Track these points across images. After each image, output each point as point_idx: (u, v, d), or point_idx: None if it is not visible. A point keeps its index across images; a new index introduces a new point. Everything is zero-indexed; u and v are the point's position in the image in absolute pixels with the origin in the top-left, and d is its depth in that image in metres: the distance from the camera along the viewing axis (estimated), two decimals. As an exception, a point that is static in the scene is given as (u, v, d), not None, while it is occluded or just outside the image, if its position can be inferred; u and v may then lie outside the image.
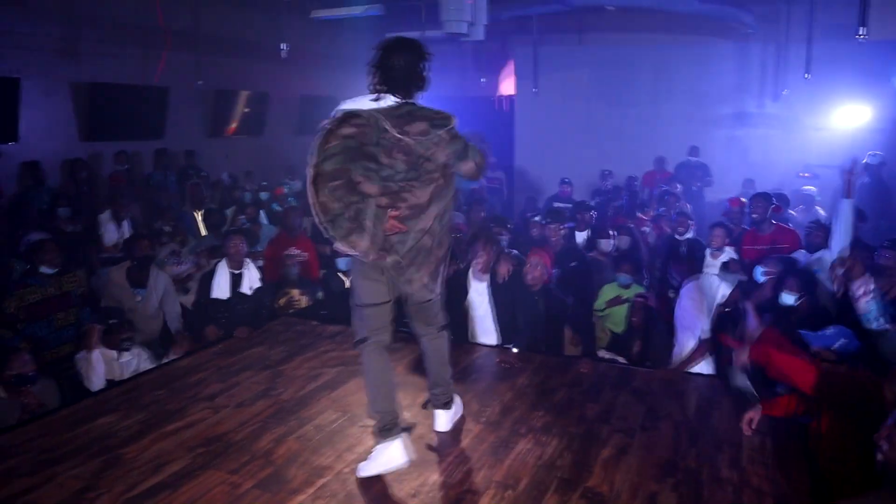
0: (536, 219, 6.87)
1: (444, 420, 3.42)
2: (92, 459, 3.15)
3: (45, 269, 5.22)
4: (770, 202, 6.01)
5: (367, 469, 2.98)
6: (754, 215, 6.03)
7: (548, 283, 4.68)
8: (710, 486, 2.91)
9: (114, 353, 4.66)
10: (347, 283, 6.42)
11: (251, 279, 5.37)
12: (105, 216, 7.51)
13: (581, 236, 6.43)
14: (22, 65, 8.14)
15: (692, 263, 5.78)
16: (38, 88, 8.41)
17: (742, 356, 3.39)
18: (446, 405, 3.43)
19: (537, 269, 4.67)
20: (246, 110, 11.63)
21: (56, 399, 4.58)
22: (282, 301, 5.52)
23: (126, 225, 7.53)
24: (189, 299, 6.19)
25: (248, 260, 5.42)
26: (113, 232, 7.41)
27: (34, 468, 3.07)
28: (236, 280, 5.29)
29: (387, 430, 3.01)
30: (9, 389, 4.22)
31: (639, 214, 8.21)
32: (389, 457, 2.98)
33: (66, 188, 8.36)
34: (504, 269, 4.68)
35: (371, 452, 3.03)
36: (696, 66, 11.61)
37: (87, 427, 3.48)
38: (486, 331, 4.85)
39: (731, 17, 10.40)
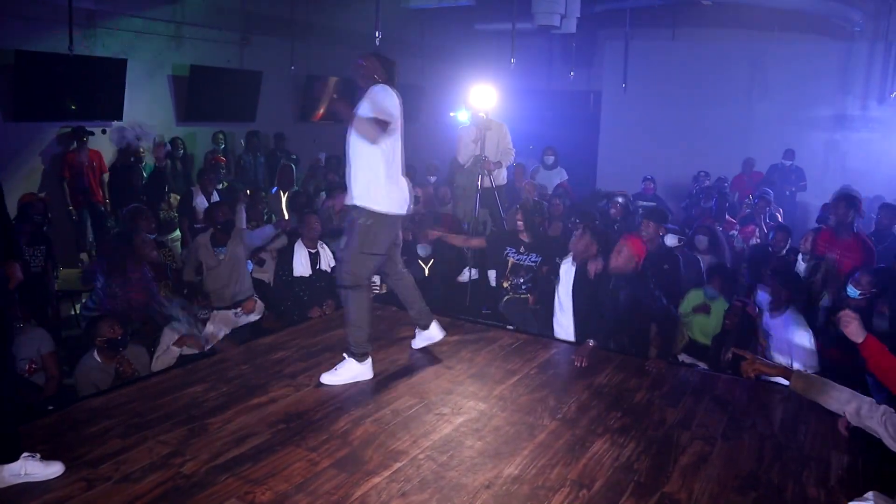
0: (619, 199, 6.73)
1: (437, 329, 4.30)
2: (179, 427, 3.28)
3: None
4: (853, 206, 5.61)
5: (334, 379, 3.83)
6: (832, 219, 5.64)
7: (636, 271, 4.54)
8: (795, 504, 2.81)
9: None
10: (427, 271, 6.48)
11: (327, 257, 5.61)
12: (196, 189, 7.84)
13: (672, 240, 6.28)
14: (129, 47, 8.53)
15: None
16: (143, 70, 8.79)
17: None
18: (432, 323, 4.30)
19: (621, 256, 4.45)
20: (334, 96, 11.84)
21: (146, 365, 4.82)
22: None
23: (215, 197, 7.80)
24: (264, 275, 6.38)
25: (321, 241, 5.68)
26: (203, 204, 7.70)
27: (127, 431, 3.22)
28: (314, 258, 5.48)
29: (365, 354, 3.90)
30: (102, 355, 4.45)
31: (728, 217, 7.95)
32: (361, 370, 3.88)
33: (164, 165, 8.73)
34: (594, 267, 4.63)
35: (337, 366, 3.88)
36: (795, 65, 11.13)
37: (176, 395, 3.63)
38: (563, 312, 4.84)
39: (837, 14, 9.92)
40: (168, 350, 4.84)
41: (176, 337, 4.89)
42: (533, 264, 5.65)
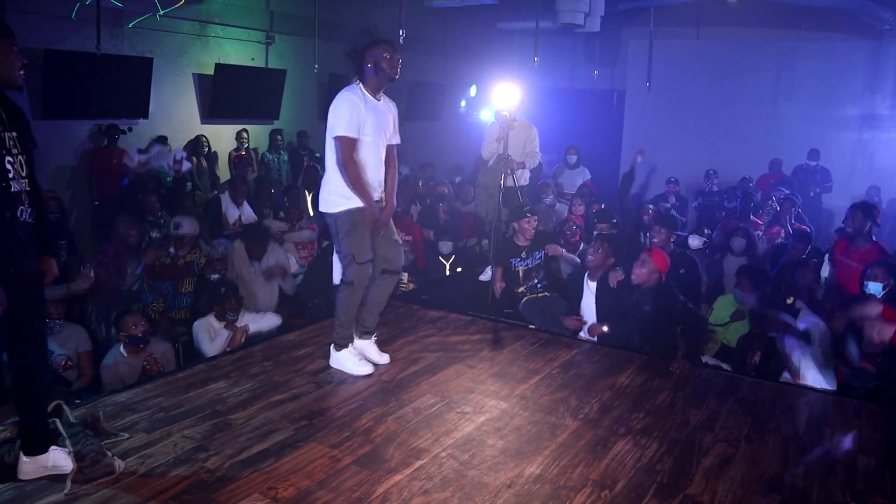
0: (650, 206, 6.72)
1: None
2: (204, 422, 3.32)
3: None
4: (871, 215, 5.51)
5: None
6: (849, 229, 5.61)
7: (659, 284, 4.55)
8: (820, 507, 2.78)
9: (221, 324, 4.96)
10: (448, 269, 6.49)
11: None
12: (225, 197, 7.84)
13: (696, 242, 6.24)
14: (155, 45, 8.62)
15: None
16: (168, 68, 8.87)
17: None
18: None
19: (643, 268, 4.55)
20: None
21: (171, 361, 4.88)
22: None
23: (245, 206, 7.80)
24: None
25: None
26: (234, 212, 7.73)
27: (152, 425, 3.27)
28: None
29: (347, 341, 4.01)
30: (128, 349, 4.51)
31: (752, 218, 7.86)
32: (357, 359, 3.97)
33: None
34: (615, 277, 4.67)
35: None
36: (822, 64, 10.96)
37: (201, 391, 3.67)
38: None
39: (866, 12, 9.77)
40: (219, 333, 4.95)
41: (217, 326, 4.99)
42: (541, 261, 5.65)
